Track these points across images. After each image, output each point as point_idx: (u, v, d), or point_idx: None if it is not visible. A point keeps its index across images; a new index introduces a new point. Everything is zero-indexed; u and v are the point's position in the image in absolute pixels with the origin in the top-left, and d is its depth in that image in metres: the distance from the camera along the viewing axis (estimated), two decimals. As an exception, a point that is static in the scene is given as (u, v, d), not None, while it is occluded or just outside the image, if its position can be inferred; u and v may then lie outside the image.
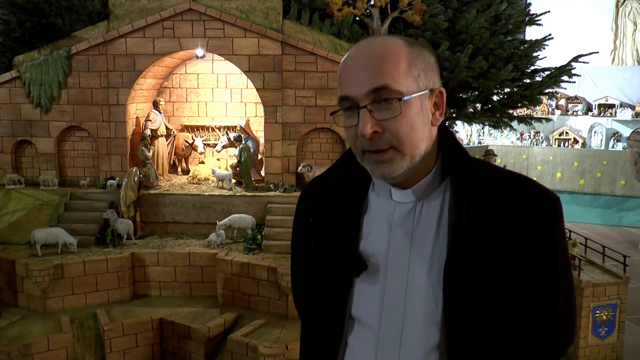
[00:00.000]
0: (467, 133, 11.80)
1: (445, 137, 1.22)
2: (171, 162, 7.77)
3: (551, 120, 11.38)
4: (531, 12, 8.25)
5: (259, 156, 7.42)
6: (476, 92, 7.86)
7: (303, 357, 1.37)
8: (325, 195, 1.31)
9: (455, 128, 10.67)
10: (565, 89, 9.46)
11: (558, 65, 7.90)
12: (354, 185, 1.27)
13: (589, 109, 12.05)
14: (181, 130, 7.91)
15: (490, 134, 11.92)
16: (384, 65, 1.10)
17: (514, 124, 8.59)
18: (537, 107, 11.29)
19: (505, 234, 1.11)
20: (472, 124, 9.41)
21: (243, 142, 7.08)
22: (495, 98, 8.10)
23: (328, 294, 1.25)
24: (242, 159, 6.91)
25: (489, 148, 9.43)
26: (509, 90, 7.97)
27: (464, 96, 7.79)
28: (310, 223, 1.31)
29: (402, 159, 1.13)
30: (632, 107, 11.72)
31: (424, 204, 1.19)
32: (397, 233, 1.19)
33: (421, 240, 1.17)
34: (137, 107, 7.30)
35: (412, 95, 1.11)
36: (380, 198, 1.24)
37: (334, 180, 1.32)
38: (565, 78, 7.90)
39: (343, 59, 1.17)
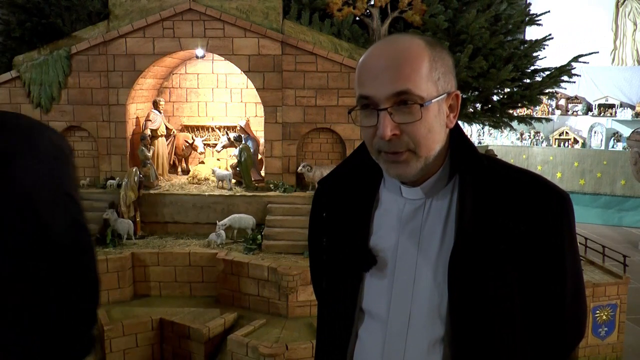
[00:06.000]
0: (467, 133, 11.80)
1: (456, 135, 1.24)
2: (171, 162, 7.77)
3: (551, 120, 11.37)
4: (531, 12, 8.23)
5: (259, 156, 7.42)
6: (476, 92, 7.85)
7: (318, 348, 1.41)
8: (338, 190, 1.34)
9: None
10: (565, 89, 9.45)
11: (558, 65, 7.89)
12: (366, 181, 1.30)
13: (589, 109, 12.04)
14: (181, 130, 7.91)
15: (490, 134, 11.92)
16: (407, 69, 1.11)
17: (514, 124, 8.58)
18: (537, 107, 11.28)
19: (512, 230, 1.13)
20: (472, 124, 9.40)
21: (243, 142, 7.08)
22: (495, 98, 8.09)
23: (339, 288, 1.28)
24: (242, 159, 6.90)
25: (489, 148, 9.43)
26: (509, 90, 7.96)
27: (464, 96, 7.79)
28: (323, 218, 1.35)
29: (417, 161, 1.15)
30: (632, 107, 11.71)
31: (432, 201, 1.21)
32: (406, 229, 1.21)
33: (429, 236, 1.19)
34: (137, 107, 7.30)
35: (432, 101, 1.13)
36: (390, 194, 1.26)
37: (346, 175, 1.35)
38: (565, 78, 7.89)
39: (363, 56, 1.17)
